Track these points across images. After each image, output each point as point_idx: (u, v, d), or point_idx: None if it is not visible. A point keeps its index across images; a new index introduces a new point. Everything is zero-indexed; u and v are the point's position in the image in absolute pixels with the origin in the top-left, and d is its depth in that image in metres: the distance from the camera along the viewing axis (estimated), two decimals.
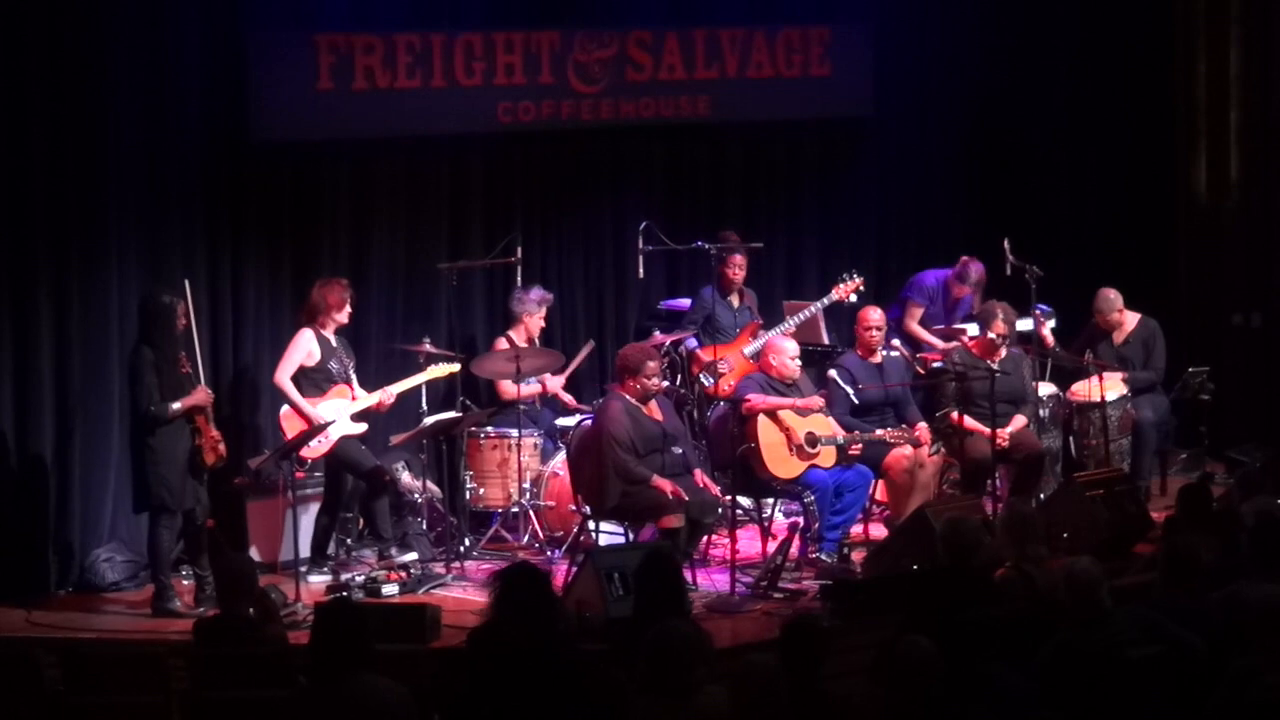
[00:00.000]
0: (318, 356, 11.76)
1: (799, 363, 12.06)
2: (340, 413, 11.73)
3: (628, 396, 11.44)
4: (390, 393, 11.95)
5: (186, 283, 11.24)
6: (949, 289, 13.68)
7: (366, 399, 11.87)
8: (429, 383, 12.25)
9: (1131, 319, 13.45)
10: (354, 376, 11.93)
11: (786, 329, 13.00)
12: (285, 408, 11.76)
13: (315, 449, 11.63)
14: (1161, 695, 7.64)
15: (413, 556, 11.76)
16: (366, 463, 11.83)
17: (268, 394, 12.24)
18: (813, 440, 11.78)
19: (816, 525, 11.68)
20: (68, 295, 11.66)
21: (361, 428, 11.88)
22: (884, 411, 12.27)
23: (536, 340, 12.81)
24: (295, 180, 12.74)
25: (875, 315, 12.53)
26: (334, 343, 11.86)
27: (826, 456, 11.82)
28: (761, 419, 11.74)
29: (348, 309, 11.88)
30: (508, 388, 12.45)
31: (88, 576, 11.64)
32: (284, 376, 11.71)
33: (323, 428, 11.52)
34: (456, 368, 12.22)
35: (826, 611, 10.15)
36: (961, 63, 15.15)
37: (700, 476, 11.48)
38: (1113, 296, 13.39)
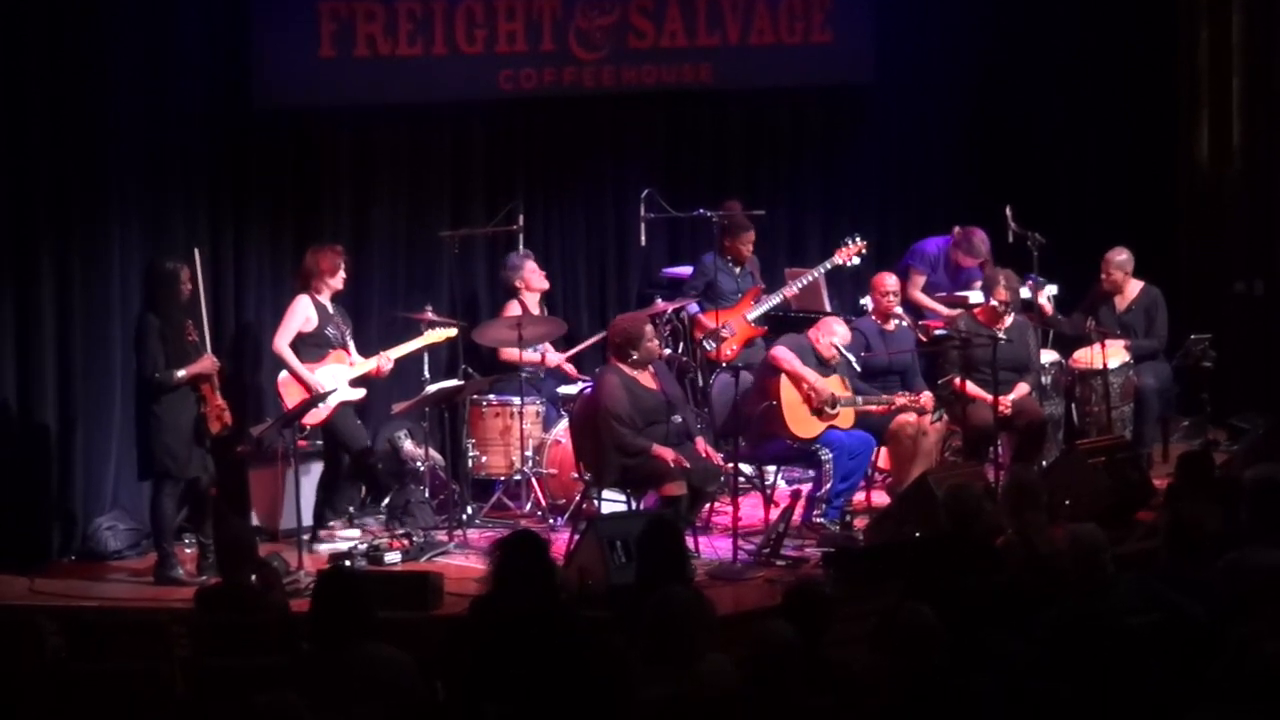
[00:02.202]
0: (315, 322, 11.74)
1: (837, 351, 11.89)
2: (339, 378, 11.72)
3: (623, 368, 11.39)
4: (388, 358, 11.94)
5: (196, 251, 11.22)
6: (951, 259, 13.63)
7: (364, 364, 11.86)
8: (429, 349, 12.25)
9: (1134, 287, 13.40)
10: (351, 342, 11.92)
11: (788, 293, 13.00)
12: (283, 374, 11.74)
13: (314, 414, 11.63)
14: (1162, 664, 7.64)
15: (354, 534, 11.77)
16: (357, 442, 11.81)
17: (268, 361, 12.21)
18: (833, 402, 11.77)
19: (828, 486, 11.68)
20: (69, 263, 11.64)
21: (360, 393, 11.86)
22: (888, 378, 12.27)
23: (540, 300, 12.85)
24: (297, 147, 12.72)
25: (890, 281, 12.57)
26: (330, 308, 11.84)
27: (845, 418, 11.82)
28: (784, 378, 11.73)
29: (341, 274, 11.85)
30: (510, 353, 12.45)
31: (90, 544, 11.63)
32: (282, 343, 11.69)
33: (323, 397, 11.51)
34: (454, 332, 12.21)
35: (829, 579, 10.15)
36: (963, 30, 15.07)
37: (701, 445, 11.46)
38: (1124, 257, 13.27)
